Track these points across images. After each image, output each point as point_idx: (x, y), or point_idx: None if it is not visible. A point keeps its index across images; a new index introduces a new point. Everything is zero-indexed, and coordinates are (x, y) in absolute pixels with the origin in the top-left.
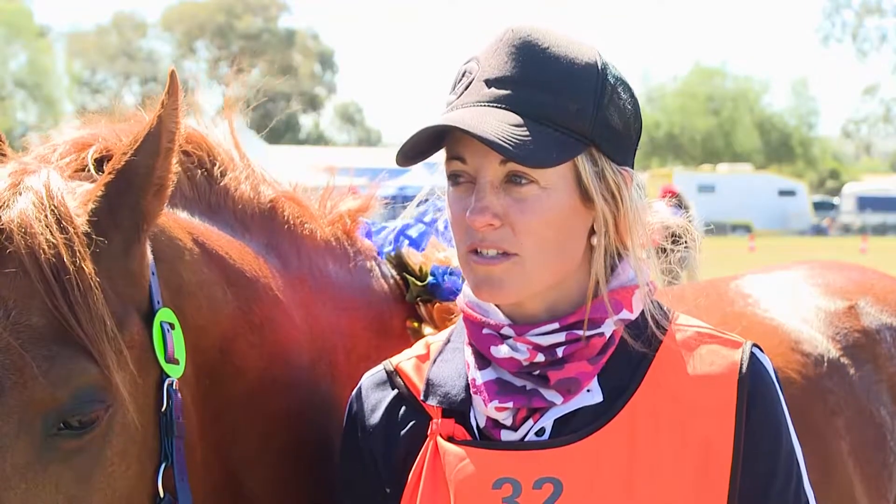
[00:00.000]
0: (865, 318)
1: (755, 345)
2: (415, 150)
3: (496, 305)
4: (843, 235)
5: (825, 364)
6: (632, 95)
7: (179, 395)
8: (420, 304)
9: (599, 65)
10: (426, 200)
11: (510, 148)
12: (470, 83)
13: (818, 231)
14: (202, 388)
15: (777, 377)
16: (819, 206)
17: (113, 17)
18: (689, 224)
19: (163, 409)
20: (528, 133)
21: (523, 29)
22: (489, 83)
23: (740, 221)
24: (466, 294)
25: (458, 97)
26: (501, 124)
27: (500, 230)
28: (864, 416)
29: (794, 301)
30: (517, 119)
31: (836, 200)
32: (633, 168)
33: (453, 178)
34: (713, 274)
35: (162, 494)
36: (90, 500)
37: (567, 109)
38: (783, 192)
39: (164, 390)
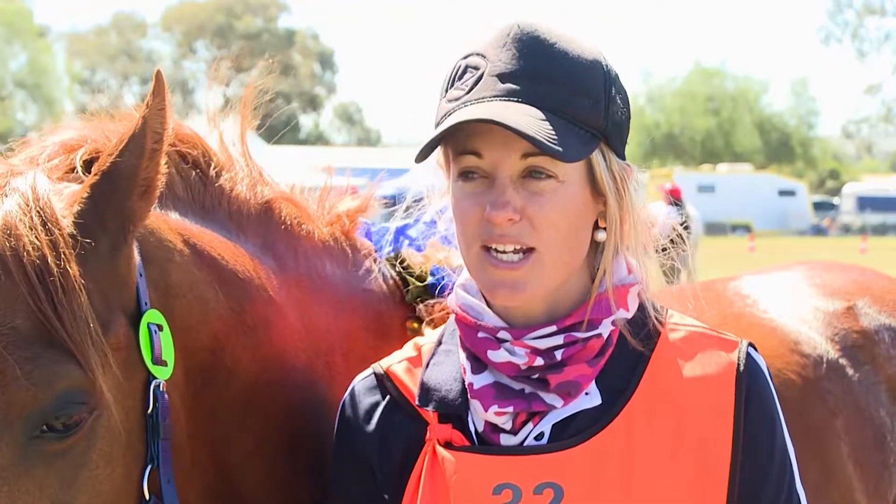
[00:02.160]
0: (864, 319)
1: (751, 344)
2: (429, 144)
3: (489, 307)
4: (843, 235)
5: (824, 365)
6: (624, 90)
7: (167, 396)
8: (420, 304)
9: (603, 61)
10: (418, 201)
11: (548, 143)
12: (479, 78)
13: (818, 231)
14: (193, 389)
15: (770, 375)
16: (819, 206)
17: (113, 17)
18: (676, 223)
19: (149, 411)
20: (553, 127)
21: (530, 24)
22: (503, 78)
23: (740, 221)
24: (459, 296)
25: (468, 92)
26: (529, 118)
27: (519, 224)
28: (863, 417)
29: (793, 302)
30: (539, 113)
31: (836, 200)
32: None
33: (465, 173)
34: (713, 274)
35: (147, 497)
36: (74, 503)
37: (583, 104)
38: (783, 192)
39: (151, 392)
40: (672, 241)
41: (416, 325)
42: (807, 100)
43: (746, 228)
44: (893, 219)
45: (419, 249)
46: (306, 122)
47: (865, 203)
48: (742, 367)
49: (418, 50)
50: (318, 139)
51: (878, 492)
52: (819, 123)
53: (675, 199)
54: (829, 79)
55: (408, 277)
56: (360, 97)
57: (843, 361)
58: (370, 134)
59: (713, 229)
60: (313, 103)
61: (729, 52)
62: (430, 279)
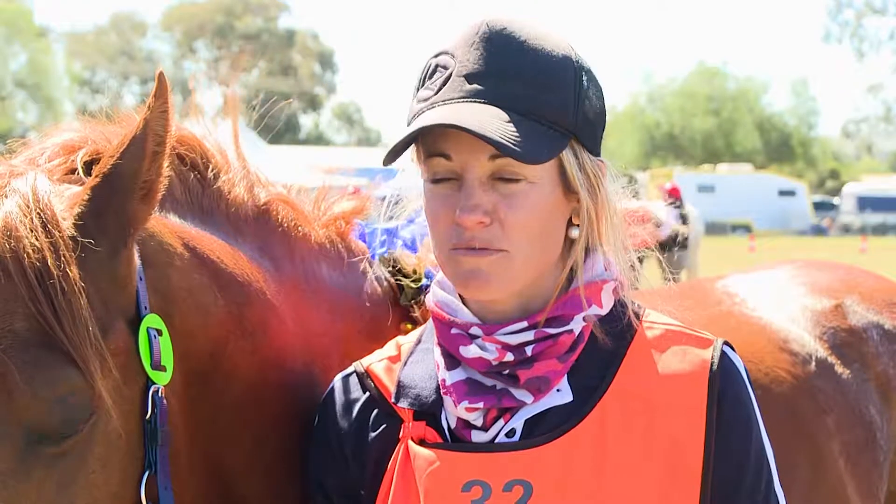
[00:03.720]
0: (852, 317)
1: (726, 342)
2: (395, 148)
3: (464, 304)
4: (843, 235)
5: (813, 363)
6: (598, 85)
7: (165, 402)
8: (414, 306)
9: (574, 57)
10: (397, 203)
11: (510, 145)
12: (447, 78)
13: (818, 231)
14: (192, 393)
15: (748, 375)
16: (819, 206)
17: (112, 18)
18: (680, 225)
19: (147, 416)
20: (517, 128)
21: (499, 22)
22: (469, 78)
23: (740, 221)
24: (435, 293)
25: (436, 93)
26: (494, 120)
27: (490, 228)
28: (853, 415)
29: (781, 300)
30: (504, 115)
31: (836, 200)
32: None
33: (434, 175)
34: (713, 273)
35: (145, 503)
36: None
37: (550, 103)
38: (783, 192)
39: (150, 398)
40: (674, 239)
41: (410, 326)
42: (807, 100)
43: (746, 228)
44: (893, 219)
45: (413, 251)
46: (306, 122)
47: (865, 203)
48: (715, 366)
49: (418, 50)
50: (318, 139)
51: (869, 490)
52: (819, 123)
53: (674, 198)
54: (829, 79)
55: (402, 279)
56: (360, 97)
57: (832, 359)
58: (370, 134)
59: (713, 229)
60: (313, 103)
61: (729, 52)
62: (423, 281)
